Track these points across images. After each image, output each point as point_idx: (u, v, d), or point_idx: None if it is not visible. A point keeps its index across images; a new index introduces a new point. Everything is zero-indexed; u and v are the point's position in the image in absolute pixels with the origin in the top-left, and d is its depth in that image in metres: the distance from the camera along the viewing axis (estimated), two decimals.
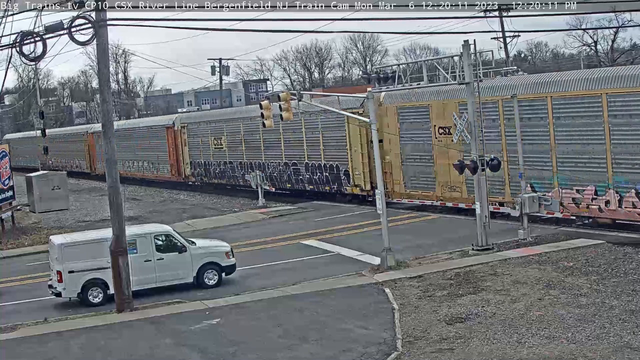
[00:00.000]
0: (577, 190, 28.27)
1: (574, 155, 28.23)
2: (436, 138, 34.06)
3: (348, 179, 39.41)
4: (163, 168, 58.53)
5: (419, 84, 30.42)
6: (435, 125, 34.04)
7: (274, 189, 45.22)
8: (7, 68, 30.89)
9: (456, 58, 27.40)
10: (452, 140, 30.18)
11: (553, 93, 28.72)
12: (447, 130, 33.05)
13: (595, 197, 27.61)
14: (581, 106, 27.79)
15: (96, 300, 24.37)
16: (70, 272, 24.11)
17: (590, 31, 76.11)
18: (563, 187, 28.67)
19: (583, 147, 27.81)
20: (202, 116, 59.00)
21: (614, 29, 71.89)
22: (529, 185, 29.23)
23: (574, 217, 28.19)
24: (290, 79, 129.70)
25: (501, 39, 57.05)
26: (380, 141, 33.95)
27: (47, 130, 64.81)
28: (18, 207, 45.57)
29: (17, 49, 22.64)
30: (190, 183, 56.12)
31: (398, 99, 35.49)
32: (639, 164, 26.02)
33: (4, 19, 24.47)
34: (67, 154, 72.18)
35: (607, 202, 27.12)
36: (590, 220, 28.35)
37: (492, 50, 31.57)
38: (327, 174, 40.74)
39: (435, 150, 34.24)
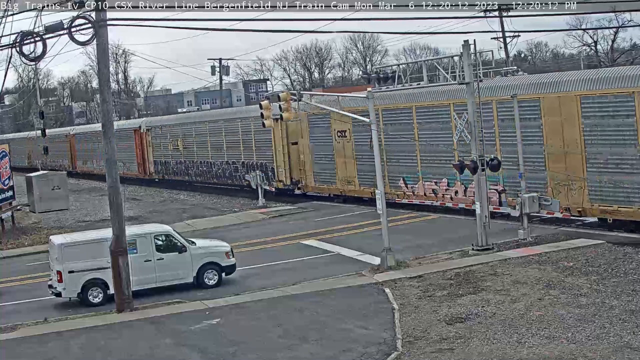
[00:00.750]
0: (435, 183, 34.71)
1: (433, 154, 34.62)
2: (335, 140, 40.65)
3: (274, 175, 45.54)
4: (132, 166, 63.93)
5: (419, 84, 30.42)
6: (335, 129, 40.04)
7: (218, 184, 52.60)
8: (7, 68, 30.86)
9: (456, 58, 27.40)
10: (454, 140, 30.48)
11: (416, 103, 35.04)
12: (343, 133, 39.97)
13: (448, 187, 34.00)
14: (433, 114, 34.31)
15: (96, 300, 24.36)
16: (70, 272, 24.11)
17: (590, 31, 76.22)
18: (425, 180, 35.17)
19: (437, 147, 33.83)
20: (163, 120, 66.17)
21: (614, 29, 71.95)
22: (401, 179, 36.57)
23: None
24: (290, 79, 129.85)
25: (501, 39, 57.07)
26: (295, 143, 43.73)
27: (31, 133, 67.42)
28: (18, 207, 45.57)
29: (17, 49, 22.63)
30: (156, 180, 61.47)
31: (309, 107, 40.33)
32: None
33: (4, 19, 24.47)
34: (52, 153, 76.56)
35: (456, 192, 33.53)
36: (440, 204, 34.80)
37: (492, 50, 31.57)
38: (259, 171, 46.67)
39: (335, 150, 40.73)
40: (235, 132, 49.77)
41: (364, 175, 38.62)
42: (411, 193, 36.14)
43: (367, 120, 26.79)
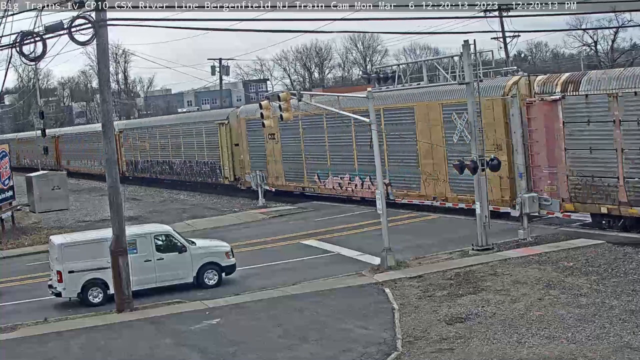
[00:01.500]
0: (341, 178, 40.96)
1: (340, 153, 41.12)
2: (267, 142, 46.76)
3: (221, 172, 51.88)
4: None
5: (419, 84, 30.42)
6: (267, 133, 44.73)
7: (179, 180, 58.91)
8: (7, 68, 30.82)
9: (456, 58, 27.40)
10: (454, 140, 30.41)
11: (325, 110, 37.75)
12: (273, 135, 45.68)
13: (350, 182, 40.33)
14: (339, 121, 39.36)
15: (96, 300, 24.36)
16: (70, 272, 24.11)
17: (590, 31, 76.20)
18: (334, 176, 41.45)
19: (341, 148, 40.81)
20: (132, 124, 74.89)
21: (614, 29, 71.95)
22: (315, 174, 42.90)
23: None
24: (290, 79, 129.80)
25: (501, 39, 57.06)
26: (237, 144, 50.15)
27: (20, 134, 72.45)
28: (18, 207, 45.58)
29: (17, 49, 22.62)
30: (130, 178, 65.93)
31: (247, 114, 48.22)
32: (370, 161, 33.28)
33: (4, 19, 24.46)
34: (40, 154, 79.97)
35: (356, 185, 39.87)
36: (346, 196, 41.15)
37: (492, 50, 31.58)
38: (209, 169, 53.48)
39: (266, 151, 47.02)
40: (190, 134, 56.38)
41: (289, 172, 45.30)
42: (323, 186, 42.65)
43: (367, 120, 26.79)
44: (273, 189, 46.65)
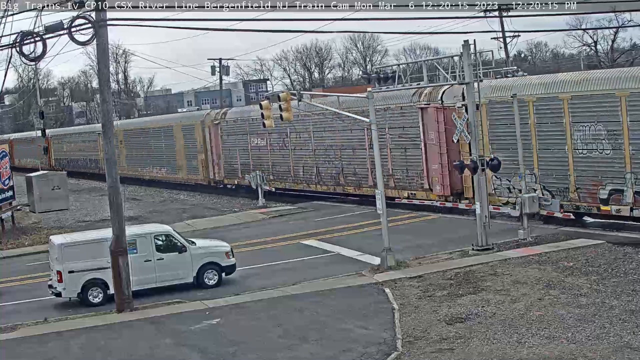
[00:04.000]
0: (159, 168, 55.96)
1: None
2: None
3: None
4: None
5: (419, 84, 30.42)
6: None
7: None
8: (7, 68, 30.86)
9: (456, 58, 27.39)
10: (453, 141, 30.43)
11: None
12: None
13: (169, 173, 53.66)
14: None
15: (96, 300, 24.36)
16: (70, 272, 24.11)
17: (590, 31, 76.21)
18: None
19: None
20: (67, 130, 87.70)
21: (614, 29, 71.95)
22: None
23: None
24: (290, 79, 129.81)
25: (501, 39, 57.04)
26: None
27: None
28: (18, 207, 45.55)
29: (17, 49, 22.63)
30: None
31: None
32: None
33: (4, 19, 24.46)
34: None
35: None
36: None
37: (492, 50, 31.56)
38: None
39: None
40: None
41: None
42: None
43: (367, 120, 26.80)
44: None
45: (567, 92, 28.44)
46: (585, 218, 29.55)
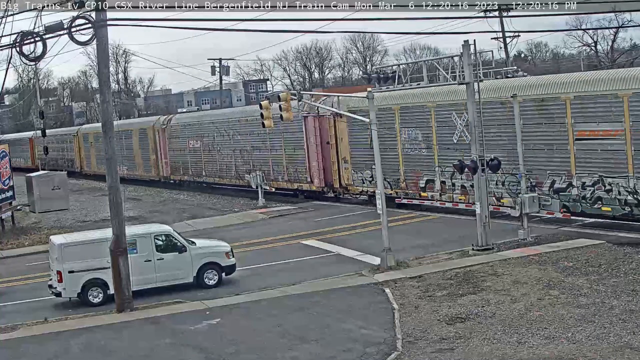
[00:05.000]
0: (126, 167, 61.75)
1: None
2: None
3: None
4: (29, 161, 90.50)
5: (419, 84, 30.40)
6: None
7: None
8: (7, 68, 30.82)
9: (456, 58, 27.39)
10: (453, 140, 30.61)
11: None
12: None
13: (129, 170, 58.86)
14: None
15: (96, 300, 24.36)
16: (70, 272, 24.11)
17: (590, 31, 76.20)
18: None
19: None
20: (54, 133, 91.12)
21: (614, 29, 71.95)
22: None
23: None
24: (290, 79, 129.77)
25: (501, 39, 57.06)
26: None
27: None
28: (18, 207, 45.58)
29: (17, 49, 22.64)
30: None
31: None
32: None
33: (4, 19, 24.48)
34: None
35: None
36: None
37: (492, 51, 31.59)
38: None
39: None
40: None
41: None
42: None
43: (367, 120, 26.80)
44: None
45: (397, 104, 35.83)
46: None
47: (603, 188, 27.20)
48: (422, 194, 35.20)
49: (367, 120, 26.67)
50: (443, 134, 33.40)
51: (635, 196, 26.16)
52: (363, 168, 38.77)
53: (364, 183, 39.17)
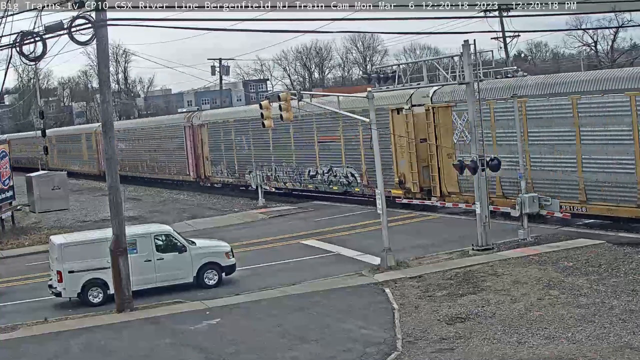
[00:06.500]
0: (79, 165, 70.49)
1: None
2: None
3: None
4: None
5: (419, 84, 30.44)
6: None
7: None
8: (7, 68, 30.80)
9: (456, 58, 27.40)
10: (453, 140, 30.62)
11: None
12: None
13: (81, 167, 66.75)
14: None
15: (96, 300, 24.35)
16: (70, 272, 24.11)
17: (590, 31, 76.23)
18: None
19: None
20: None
21: (614, 29, 71.96)
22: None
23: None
24: (290, 79, 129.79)
25: (501, 39, 57.04)
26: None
27: None
28: (18, 207, 45.58)
29: (17, 49, 22.63)
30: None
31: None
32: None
33: (4, 19, 24.46)
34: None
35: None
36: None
37: (492, 50, 31.62)
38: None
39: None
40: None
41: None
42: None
43: (367, 120, 26.80)
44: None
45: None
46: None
47: (333, 174, 40.74)
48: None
49: (367, 120, 26.68)
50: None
51: (347, 178, 40.05)
52: (217, 164, 52.44)
53: (221, 174, 52.37)
